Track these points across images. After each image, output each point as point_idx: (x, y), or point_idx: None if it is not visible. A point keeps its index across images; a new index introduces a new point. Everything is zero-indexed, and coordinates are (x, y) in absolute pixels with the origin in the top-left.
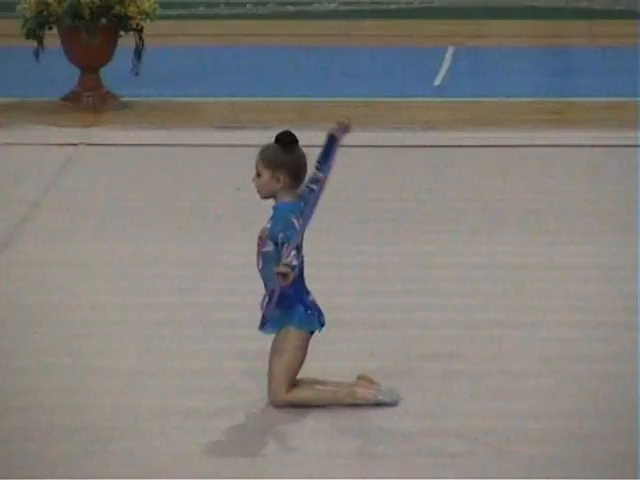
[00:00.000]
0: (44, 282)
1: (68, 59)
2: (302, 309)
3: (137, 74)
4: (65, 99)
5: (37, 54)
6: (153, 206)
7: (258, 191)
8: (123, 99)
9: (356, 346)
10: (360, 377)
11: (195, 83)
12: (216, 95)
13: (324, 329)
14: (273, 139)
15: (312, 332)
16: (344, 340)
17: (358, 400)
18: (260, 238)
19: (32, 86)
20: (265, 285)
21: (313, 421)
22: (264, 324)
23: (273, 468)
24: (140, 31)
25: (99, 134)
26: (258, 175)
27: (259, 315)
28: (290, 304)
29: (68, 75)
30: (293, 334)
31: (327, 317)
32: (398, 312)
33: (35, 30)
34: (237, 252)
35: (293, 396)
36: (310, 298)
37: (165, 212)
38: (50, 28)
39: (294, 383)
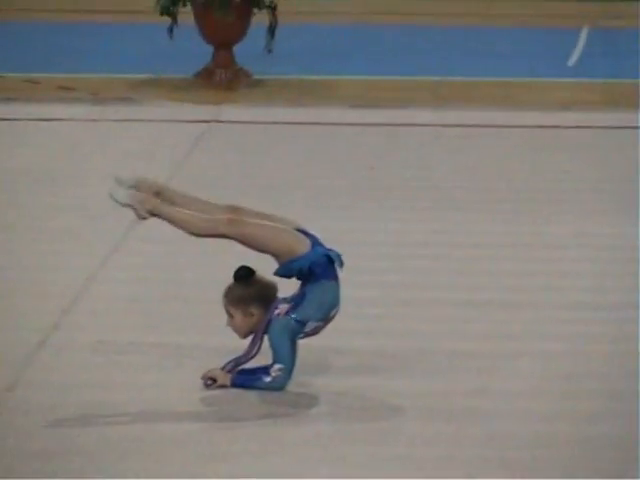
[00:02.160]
0: (174, 260)
1: (201, 36)
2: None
3: (270, 51)
4: (198, 76)
5: (171, 31)
6: (283, 184)
7: (236, 332)
8: (256, 76)
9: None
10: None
11: (328, 61)
12: (350, 73)
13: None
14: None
15: None
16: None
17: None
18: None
19: (165, 63)
20: None
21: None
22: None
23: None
24: (274, 8)
25: (231, 111)
26: (231, 317)
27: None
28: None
29: (201, 52)
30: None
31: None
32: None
33: (169, 7)
34: (370, 230)
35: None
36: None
37: (296, 190)
38: (184, 5)
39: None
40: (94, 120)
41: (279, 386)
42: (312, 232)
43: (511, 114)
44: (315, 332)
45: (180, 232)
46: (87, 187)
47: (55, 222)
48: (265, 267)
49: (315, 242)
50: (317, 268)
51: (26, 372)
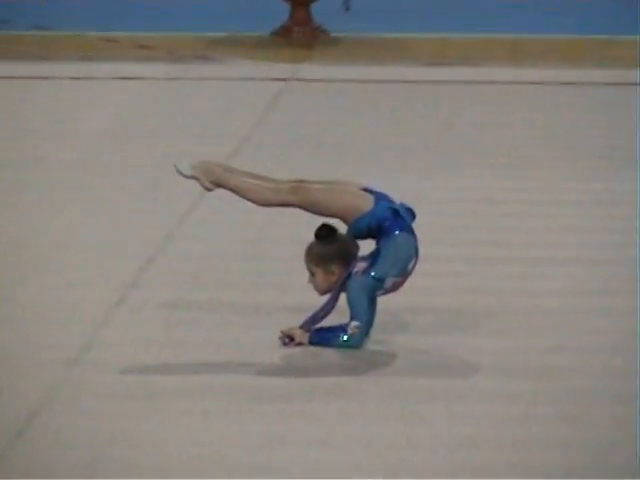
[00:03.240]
0: (252, 217)
1: None
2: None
3: (348, 9)
4: (275, 34)
5: None
6: (363, 142)
7: (316, 289)
8: (333, 34)
9: None
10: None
11: (405, 19)
12: (427, 31)
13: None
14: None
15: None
16: None
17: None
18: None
19: (242, 20)
20: None
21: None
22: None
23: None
24: None
25: (309, 69)
26: (312, 275)
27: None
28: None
29: (279, 10)
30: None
31: None
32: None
33: None
34: (449, 188)
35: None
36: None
37: (376, 148)
38: None
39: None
40: (172, 78)
41: (356, 344)
42: (378, 189)
43: (585, 72)
44: (395, 288)
45: None
46: (166, 145)
47: (134, 180)
48: (344, 227)
49: (379, 198)
50: (385, 222)
51: (104, 330)
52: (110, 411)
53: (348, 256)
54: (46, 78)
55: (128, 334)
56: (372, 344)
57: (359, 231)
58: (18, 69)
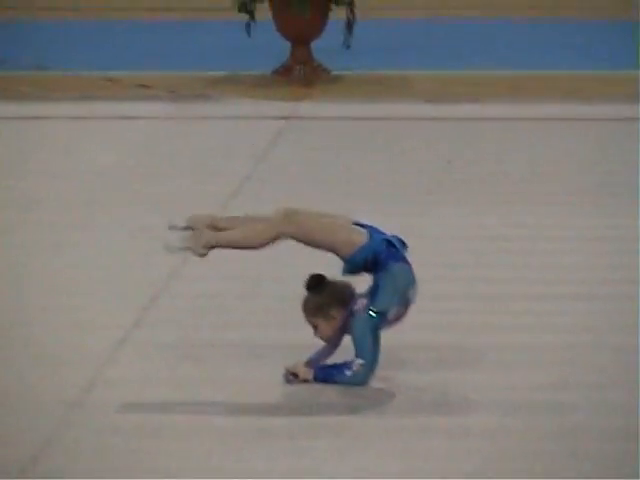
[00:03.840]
0: (253, 256)
1: (279, 32)
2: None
3: (348, 47)
4: (276, 72)
5: (248, 27)
6: (362, 179)
7: (325, 340)
8: (334, 72)
9: None
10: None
11: (405, 56)
12: (427, 68)
13: None
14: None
15: None
16: None
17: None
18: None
19: (243, 59)
20: None
21: None
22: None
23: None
24: (352, 4)
25: (310, 107)
26: (315, 327)
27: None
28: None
29: (279, 48)
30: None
31: None
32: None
33: (247, 3)
34: (447, 225)
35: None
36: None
37: (374, 185)
38: (261, 1)
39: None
40: (173, 117)
41: (360, 381)
42: (369, 223)
43: (586, 108)
44: (398, 318)
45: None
46: (166, 184)
47: (135, 221)
48: (335, 269)
49: (373, 231)
50: (381, 255)
51: (107, 370)
52: (113, 450)
53: (344, 297)
54: (46, 118)
55: (131, 373)
56: (374, 381)
57: (356, 265)
58: (18, 109)
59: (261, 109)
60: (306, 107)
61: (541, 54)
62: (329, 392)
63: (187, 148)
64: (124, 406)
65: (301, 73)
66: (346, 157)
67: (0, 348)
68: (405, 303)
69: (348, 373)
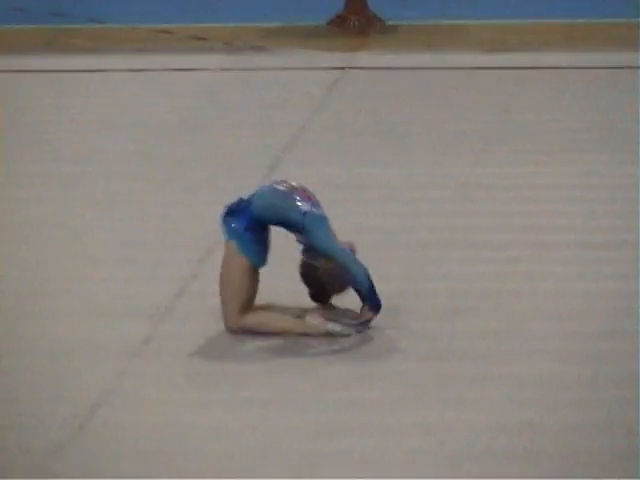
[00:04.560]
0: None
1: None
2: (251, 238)
3: None
4: (331, 23)
5: None
6: (419, 129)
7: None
8: (389, 22)
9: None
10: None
11: (460, 5)
12: (482, 17)
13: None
14: None
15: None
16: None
17: (308, 330)
18: None
19: (298, 10)
20: None
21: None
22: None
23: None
24: None
25: (365, 57)
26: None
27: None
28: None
29: None
30: (238, 260)
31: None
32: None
33: None
34: (503, 174)
35: (244, 322)
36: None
37: (431, 135)
38: None
39: (248, 307)
40: (228, 69)
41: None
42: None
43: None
44: None
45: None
46: (224, 136)
47: (193, 172)
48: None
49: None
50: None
51: (164, 323)
52: (170, 402)
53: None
54: (101, 71)
55: (188, 326)
56: (426, 329)
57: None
58: (73, 62)
59: (316, 60)
60: (361, 57)
61: (596, 2)
62: (380, 340)
63: (243, 100)
64: (183, 357)
65: (356, 23)
66: (401, 107)
67: (58, 300)
68: None
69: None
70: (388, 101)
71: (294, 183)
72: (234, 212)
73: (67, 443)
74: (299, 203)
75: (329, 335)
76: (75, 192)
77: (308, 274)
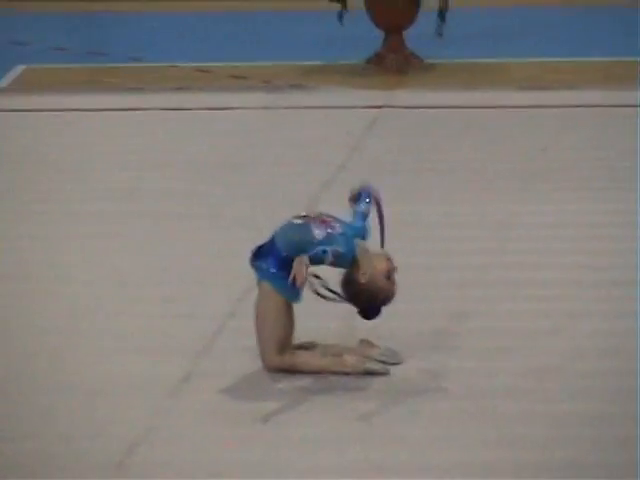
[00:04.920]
0: None
1: (372, 21)
2: (283, 275)
3: (441, 35)
4: (369, 61)
5: (341, 17)
6: (458, 167)
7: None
8: (427, 60)
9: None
10: (361, 340)
11: (499, 43)
12: (521, 55)
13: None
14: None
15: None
16: None
17: (346, 369)
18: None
19: (336, 49)
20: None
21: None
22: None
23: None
24: None
25: (403, 96)
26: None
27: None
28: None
29: (372, 37)
30: (273, 299)
31: None
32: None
33: None
34: (544, 212)
35: (282, 361)
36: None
37: (470, 173)
38: None
39: (286, 345)
40: (267, 108)
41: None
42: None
43: None
44: None
45: None
46: (263, 174)
47: (231, 211)
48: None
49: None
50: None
51: (202, 361)
52: (210, 438)
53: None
54: (140, 109)
55: (226, 365)
56: (462, 366)
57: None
58: (113, 100)
59: (355, 98)
60: (400, 96)
61: (635, 40)
62: (420, 378)
63: (282, 138)
64: (222, 395)
65: (394, 62)
66: (440, 146)
67: (98, 339)
68: None
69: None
70: (426, 139)
71: (311, 213)
72: (262, 253)
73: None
74: (316, 231)
75: (367, 374)
76: (114, 231)
77: (348, 289)
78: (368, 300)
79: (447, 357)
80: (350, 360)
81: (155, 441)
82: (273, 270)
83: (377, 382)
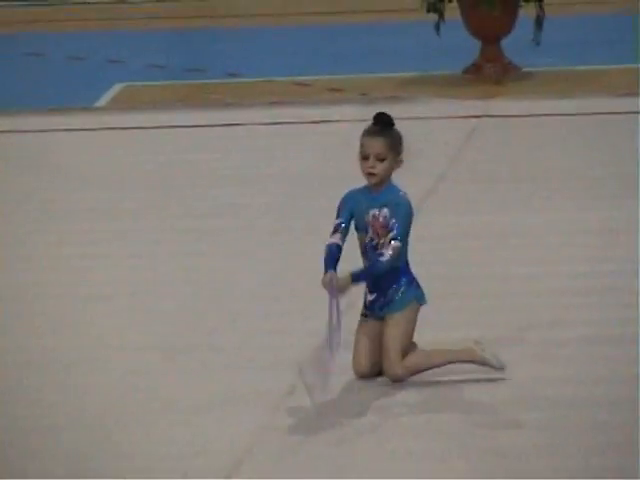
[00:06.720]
0: (450, 254)
1: (468, 31)
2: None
3: (538, 44)
4: (467, 71)
5: (438, 27)
6: (557, 175)
7: (376, 175)
8: (524, 69)
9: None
10: (476, 342)
11: (596, 51)
12: (617, 63)
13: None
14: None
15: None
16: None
17: (464, 357)
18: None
19: (433, 59)
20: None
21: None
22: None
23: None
24: (541, 0)
25: (501, 105)
26: (381, 160)
27: None
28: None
29: (469, 47)
30: (415, 309)
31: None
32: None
33: (436, 3)
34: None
35: (409, 365)
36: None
37: (571, 181)
38: (450, 1)
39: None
40: (365, 120)
41: (395, 260)
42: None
43: None
44: None
45: None
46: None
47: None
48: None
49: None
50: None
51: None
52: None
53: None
54: (239, 124)
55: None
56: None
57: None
58: (211, 116)
59: (453, 109)
60: (498, 105)
61: None
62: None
63: None
64: (327, 409)
65: (492, 71)
66: (539, 154)
67: (202, 354)
68: None
69: (388, 254)
70: (525, 148)
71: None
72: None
73: None
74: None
75: (483, 364)
76: (215, 247)
77: None
78: None
79: (552, 367)
80: (473, 347)
81: (261, 456)
82: (410, 281)
83: (482, 392)
